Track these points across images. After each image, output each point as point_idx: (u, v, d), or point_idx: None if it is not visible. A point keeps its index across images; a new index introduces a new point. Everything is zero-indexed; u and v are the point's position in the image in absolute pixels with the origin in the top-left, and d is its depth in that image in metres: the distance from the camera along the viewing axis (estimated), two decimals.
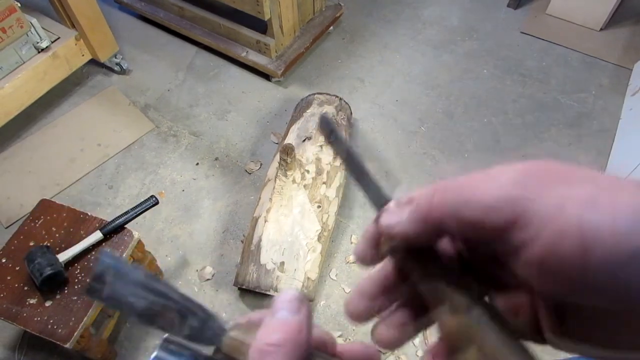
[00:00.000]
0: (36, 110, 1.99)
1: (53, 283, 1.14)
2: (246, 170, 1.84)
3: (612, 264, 0.19)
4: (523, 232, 0.21)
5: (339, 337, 1.45)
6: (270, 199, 1.49)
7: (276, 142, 1.91)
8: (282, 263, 1.38)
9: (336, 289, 1.55)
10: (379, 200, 0.29)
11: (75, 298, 1.16)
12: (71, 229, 1.27)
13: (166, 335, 0.27)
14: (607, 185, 0.20)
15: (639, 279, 0.19)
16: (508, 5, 2.45)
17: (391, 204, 0.28)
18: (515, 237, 0.21)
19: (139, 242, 1.32)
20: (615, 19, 2.29)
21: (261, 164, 1.85)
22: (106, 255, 0.28)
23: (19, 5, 1.64)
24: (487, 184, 0.22)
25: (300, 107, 1.80)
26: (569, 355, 0.23)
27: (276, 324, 0.25)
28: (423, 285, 0.27)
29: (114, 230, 1.25)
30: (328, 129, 0.31)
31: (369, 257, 0.29)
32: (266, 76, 2.15)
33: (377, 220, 0.28)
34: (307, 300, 0.26)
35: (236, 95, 2.11)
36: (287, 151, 1.45)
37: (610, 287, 0.19)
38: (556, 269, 0.20)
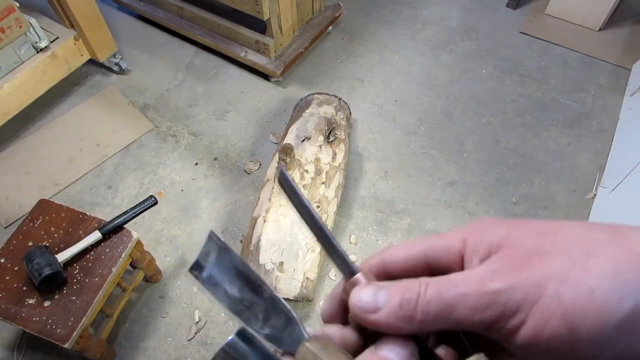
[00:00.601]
0: (35, 110, 1.99)
1: (52, 283, 1.14)
2: (245, 170, 1.84)
3: (599, 338, 0.20)
4: (509, 322, 0.22)
5: None
6: (270, 198, 1.49)
7: (275, 142, 1.91)
8: (281, 263, 1.38)
9: None
10: (344, 268, 0.28)
11: (74, 298, 1.16)
12: (70, 229, 1.27)
13: (243, 325, 0.28)
14: (578, 253, 0.21)
15: (627, 347, 0.19)
16: (507, 6, 2.45)
17: (361, 277, 0.27)
18: (502, 327, 0.22)
19: (138, 242, 1.32)
20: (614, 19, 2.30)
21: (260, 164, 1.85)
22: (213, 237, 0.29)
23: (18, 5, 1.64)
24: (469, 281, 0.23)
25: (300, 107, 1.80)
26: None
27: None
28: None
29: (113, 230, 1.25)
30: (285, 186, 0.29)
31: (336, 321, 0.29)
32: (265, 76, 2.15)
33: (345, 290, 0.27)
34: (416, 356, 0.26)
35: (235, 95, 2.11)
36: (286, 151, 1.45)
37: (601, 357, 0.20)
38: (547, 350, 0.21)
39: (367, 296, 0.25)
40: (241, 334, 0.27)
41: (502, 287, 0.22)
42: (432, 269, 0.27)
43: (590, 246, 0.21)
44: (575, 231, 0.22)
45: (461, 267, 0.25)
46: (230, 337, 0.27)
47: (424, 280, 0.24)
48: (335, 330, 0.28)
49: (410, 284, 0.24)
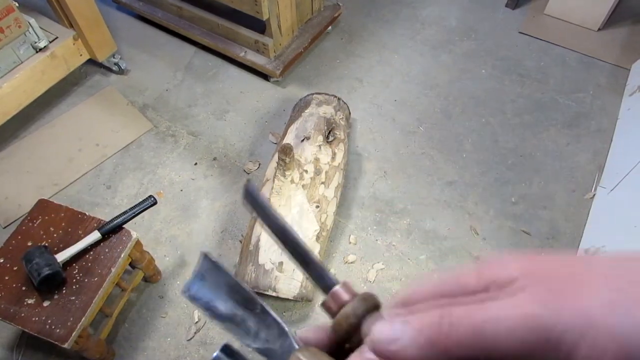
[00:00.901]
0: (34, 110, 1.99)
1: (51, 283, 1.14)
2: (245, 170, 1.84)
3: None
4: (555, 353, 0.20)
5: None
6: (269, 199, 1.49)
7: (275, 142, 1.91)
8: (281, 263, 1.38)
9: None
10: (322, 281, 0.28)
11: (74, 298, 1.16)
12: (69, 229, 1.27)
13: (226, 342, 0.28)
14: (621, 283, 0.20)
15: None
16: (506, 6, 2.45)
17: (340, 289, 0.27)
18: (547, 358, 0.20)
19: (137, 242, 1.32)
20: (613, 19, 2.30)
21: (260, 164, 1.85)
22: (206, 257, 0.29)
23: (17, 5, 1.64)
24: (502, 304, 0.21)
25: (299, 107, 1.80)
26: None
27: None
28: None
29: (112, 230, 1.25)
30: (252, 202, 0.29)
31: (321, 335, 0.28)
32: (265, 76, 2.15)
33: (325, 303, 0.27)
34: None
35: (235, 95, 2.11)
36: (286, 151, 1.45)
37: None
38: None
39: (384, 327, 0.24)
40: (226, 350, 0.28)
41: (544, 312, 0.20)
42: None
43: (631, 275, 0.20)
44: (609, 262, 0.21)
45: None
46: (214, 354, 0.27)
47: (446, 301, 0.22)
48: (311, 333, 0.28)
49: (431, 306, 0.23)
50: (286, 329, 0.29)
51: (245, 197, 0.29)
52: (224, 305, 0.29)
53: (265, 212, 0.29)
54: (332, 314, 0.27)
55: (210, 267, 0.29)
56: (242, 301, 0.29)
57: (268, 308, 0.29)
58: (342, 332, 0.27)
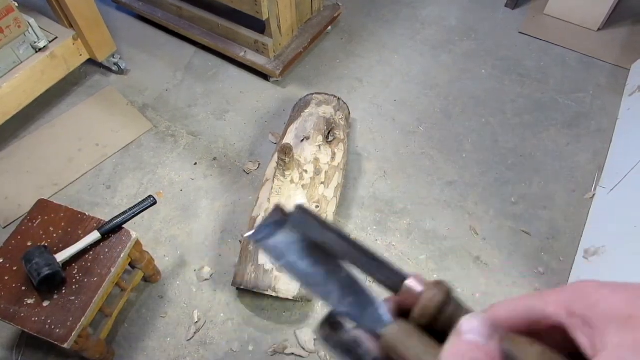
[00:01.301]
0: (34, 110, 1.99)
1: (51, 283, 1.14)
2: (244, 170, 1.84)
3: None
4: None
5: None
6: (269, 199, 1.49)
7: (274, 142, 1.91)
8: None
9: None
10: (392, 274, 0.29)
11: (73, 298, 1.16)
12: (69, 229, 1.27)
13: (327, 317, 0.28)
14: None
15: None
16: (506, 6, 2.45)
17: (414, 281, 0.27)
18: None
19: (137, 242, 1.32)
20: (613, 19, 2.30)
21: (259, 164, 1.85)
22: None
23: (17, 5, 1.64)
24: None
25: (299, 107, 1.80)
26: None
27: (467, 346, 0.24)
28: None
29: (112, 230, 1.25)
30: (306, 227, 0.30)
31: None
32: (264, 76, 2.15)
33: (403, 293, 0.28)
34: (499, 329, 0.25)
35: (234, 95, 2.11)
36: (286, 151, 1.45)
37: None
38: None
39: None
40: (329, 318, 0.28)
41: None
42: (534, 327, 0.26)
43: None
44: None
45: (563, 333, 0.24)
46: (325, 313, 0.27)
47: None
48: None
49: None
50: (376, 298, 0.28)
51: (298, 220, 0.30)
52: (300, 261, 0.28)
53: (322, 232, 0.29)
54: (408, 305, 0.28)
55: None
56: (325, 261, 0.29)
57: (355, 274, 0.29)
58: (428, 315, 0.27)
